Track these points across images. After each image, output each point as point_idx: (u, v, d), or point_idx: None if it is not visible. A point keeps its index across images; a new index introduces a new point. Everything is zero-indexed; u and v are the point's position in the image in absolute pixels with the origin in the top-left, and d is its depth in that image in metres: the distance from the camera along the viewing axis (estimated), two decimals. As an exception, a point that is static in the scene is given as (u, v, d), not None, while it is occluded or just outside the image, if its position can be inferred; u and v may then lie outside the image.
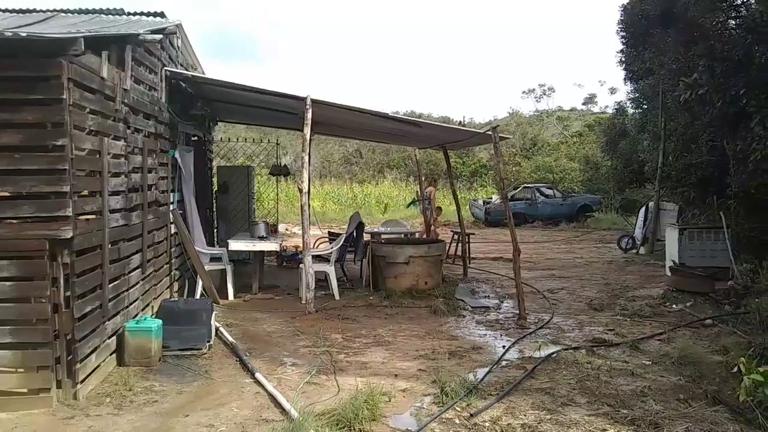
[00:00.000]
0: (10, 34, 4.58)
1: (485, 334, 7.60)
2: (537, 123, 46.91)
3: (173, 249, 8.82)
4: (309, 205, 8.32)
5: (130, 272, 6.53)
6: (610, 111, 43.47)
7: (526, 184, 24.21)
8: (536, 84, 67.62)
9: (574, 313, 8.77)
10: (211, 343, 6.68)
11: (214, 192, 12.65)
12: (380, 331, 7.65)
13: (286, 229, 19.94)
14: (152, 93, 7.61)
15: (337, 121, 9.53)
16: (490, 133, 8.45)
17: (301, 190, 8.07)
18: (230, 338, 6.91)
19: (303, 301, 9.00)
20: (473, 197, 27.40)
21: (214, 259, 9.56)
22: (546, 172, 32.72)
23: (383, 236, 12.10)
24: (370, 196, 31.75)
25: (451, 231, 14.06)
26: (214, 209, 12.63)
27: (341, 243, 9.40)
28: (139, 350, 6.04)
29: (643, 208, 14.88)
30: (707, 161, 13.59)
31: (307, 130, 8.04)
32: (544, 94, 49.30)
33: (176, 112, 8.73)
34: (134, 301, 6.67)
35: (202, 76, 8.48)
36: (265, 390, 5.39)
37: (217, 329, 7.18)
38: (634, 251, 14.89)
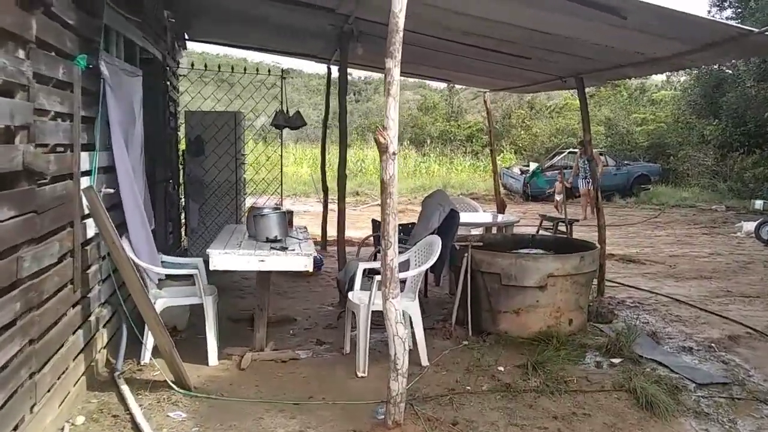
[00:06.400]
0: None
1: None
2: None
3: (95, 266, 4.25)
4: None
5: None
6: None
7: (570, 149, 19.61)
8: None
9: None
10: None
11: (180, 153, 7.91)
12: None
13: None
14: None
15: (431, 21, 4.86)
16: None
17: (384, 149, 3.42)
18: None
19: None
20: (505, 165, 22.70)
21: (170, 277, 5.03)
22: (568, 135, 28.26)
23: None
24: (366, 161, 26.97)
25: (539, 215, 9.53)
26: (180, 181, 7.90)
27: (435, 258, 4.80)
28: None
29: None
30: None
31: (401, 20, 3.35)
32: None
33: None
34: None
35: None
36: None
37: None
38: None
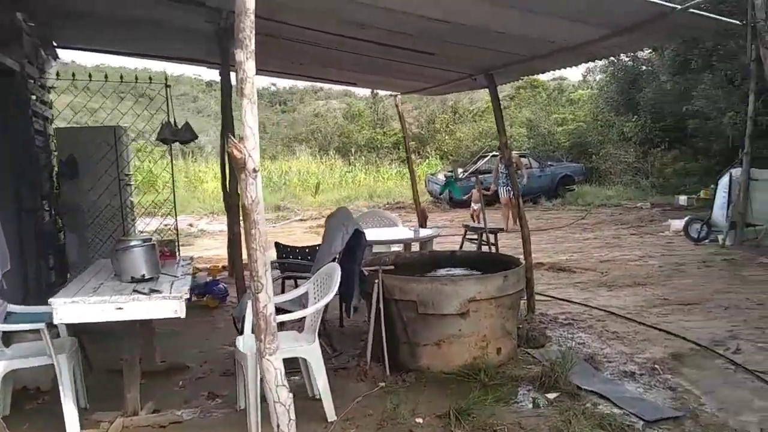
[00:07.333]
0: None
1: None
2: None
3: None
4: (259, 202, 2.84)
5: None
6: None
7: (493, 153, 19.21)
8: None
9: None
10: None
11: (53, 174, 6.89)
12: None
13: (190, 225, 14.24)
14: None
15: (322, 13, 4.15)
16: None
17: (241, 165, 2.64)
18: None
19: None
20: (430, 171, 22.30)
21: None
22: (492, 139, 28.10)
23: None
24: (290, 173, 26.06)
25: (462, 225, 8.93)
26: (55, 208, 6.87)
27: (334, 291, 4.03)
28: None
29: (725, 178, 10.25)
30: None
31: (245, 36, 2.59)
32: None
33: None
34: None
35: None
36: None
37: None
38: (708, 240, 10.36)
